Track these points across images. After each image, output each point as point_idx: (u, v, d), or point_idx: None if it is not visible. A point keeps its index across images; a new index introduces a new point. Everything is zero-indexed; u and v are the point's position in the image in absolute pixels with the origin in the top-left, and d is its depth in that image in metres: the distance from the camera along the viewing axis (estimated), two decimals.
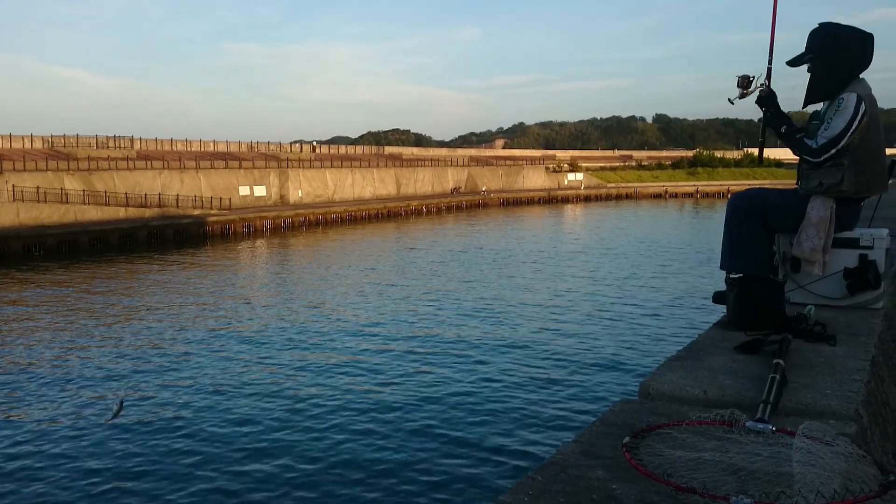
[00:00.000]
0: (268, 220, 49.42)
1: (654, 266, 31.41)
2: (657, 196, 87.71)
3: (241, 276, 30.99)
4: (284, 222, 50.40)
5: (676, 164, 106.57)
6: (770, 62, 3.64)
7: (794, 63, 3.59)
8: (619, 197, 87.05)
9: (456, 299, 24.42)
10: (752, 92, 3.64)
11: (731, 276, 3.01)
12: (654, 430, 1.88)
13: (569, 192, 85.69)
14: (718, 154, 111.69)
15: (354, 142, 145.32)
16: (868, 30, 3.56)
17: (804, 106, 3.67)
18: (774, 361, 2.32)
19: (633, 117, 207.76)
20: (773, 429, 1.83)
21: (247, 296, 25.91)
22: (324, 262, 34.17)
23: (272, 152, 72.07)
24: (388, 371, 15.88)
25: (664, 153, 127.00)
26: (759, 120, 3.79)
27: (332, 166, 66.69)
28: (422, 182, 75.87)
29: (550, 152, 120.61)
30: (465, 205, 70.81)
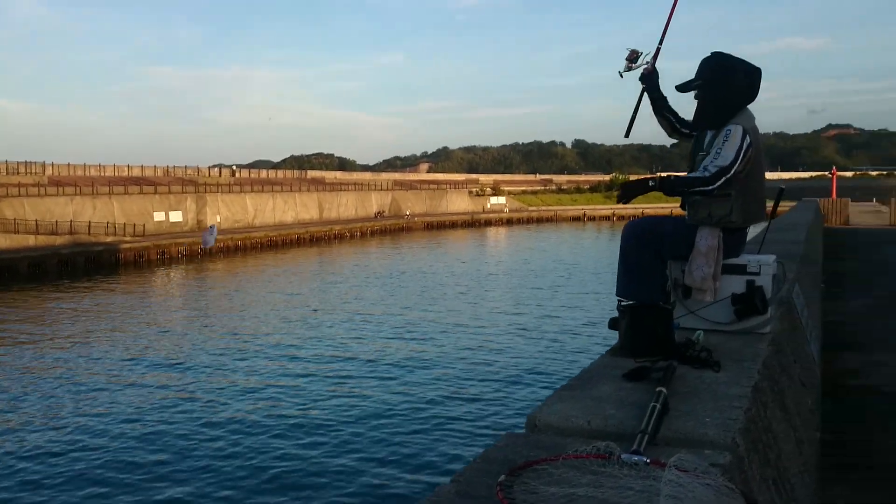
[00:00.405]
0: (183, 246, 48.08)
1: (567, 289, 31.91)
2: (576, 219, 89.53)
3: (153, 302, 30.05)
4: (201, 249, 49.21)
5: (594, 187, 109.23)
6: (661, 42, 3.81)
7: (682, 88, 3.70)
8: (540, 220, 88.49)
9: (369, 324, 24.27)
10: (638, 67, 3.80)
11: (622, 303, 3.05)
12: (531, 467, 1.85)
13: (492, 215, 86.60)
14: (633, 178, 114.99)
15: (276, 165, 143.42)
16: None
17: (693, 131, 3.77)
18: (657, 389, 2.34)
19: (553, 142, 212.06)
20: (648, 461, 1.83)
21: (158, 322, 25.13)
22: (241, 289, 33.44)
23: (190, 177, 70.41)
24: (287, 397, 15.66)
25: (583, 177, 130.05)
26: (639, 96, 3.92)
27: (252, 191, 65.55)
28: (345, 206, 75.32)
29: (474, 176, 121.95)
30: (390, 228, 70.64)
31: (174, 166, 73.01)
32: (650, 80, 3.89)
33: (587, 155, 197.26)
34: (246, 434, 13.36)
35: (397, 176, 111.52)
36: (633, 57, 3.84)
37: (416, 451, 12.49)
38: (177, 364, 18.86)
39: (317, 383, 16.90)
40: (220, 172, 78.88)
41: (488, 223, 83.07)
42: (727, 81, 3.59)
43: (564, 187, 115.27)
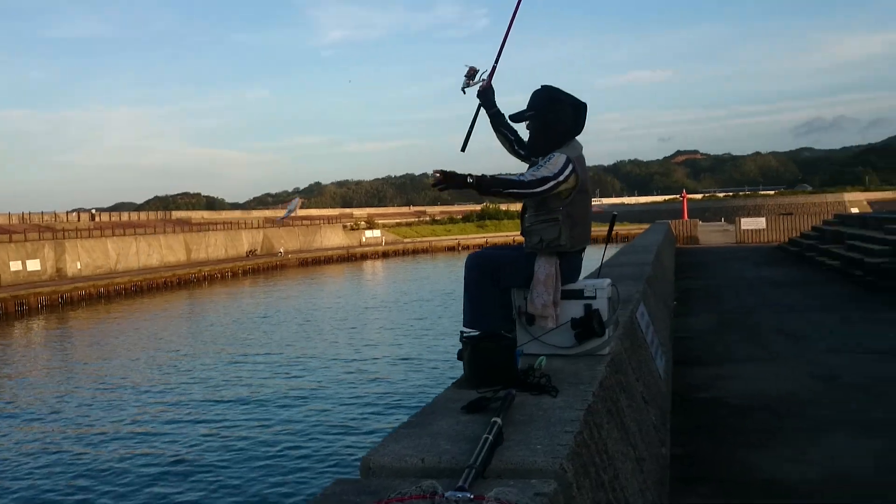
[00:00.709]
0: (43, 295, 45.04)
1: (440, 319, 32.07)
2: (451, 248, 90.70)
3: (14, 355, 27.92)
4: (62, 297, 46.16)
5: (467, 217, 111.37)
6: (496, 61, 3.97)
7: (515, 118, 3.87)
8: (415, 251, 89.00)
9: (237, 364, 23.51)
10: (476, 84, 3.96)
11: (464, 334, 3.06)
12: None
13: (367, 248, 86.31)
14: (503, 207, 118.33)
15: (140, 207, 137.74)
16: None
17: (525, 159, 3.92)
18: (492, 420, 2.34)
19: (425, 174, 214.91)
20: (472, 496, 1.81)
21: (20, 373, 23.33)
22: (106, 336, 31.60)
23: (47, 223, 66.35)
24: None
25: (455, 207, 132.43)
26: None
27: (114, 234, 62.36)
28: (214, 246, 72.89)
29: (348, 210, 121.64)
30: (263, 267, 68.90)
31: (30, 213, 68.82)
32: (486, 96, 4.05)
33: None
34: (109, 482, 12.66)
35: (268, 213, 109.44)
36: (471, 74, 4.02)
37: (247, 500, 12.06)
38: (40, 416, 17.64)
39: (184, 426, 16.17)
40: (79, 217, 74.73)
41: (364, 257, 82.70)
42: (555, 113, 3.75)
43: (438, 218, 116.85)
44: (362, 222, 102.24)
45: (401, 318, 33.28)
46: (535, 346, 3.63)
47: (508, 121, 4.06)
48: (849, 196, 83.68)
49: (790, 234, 29.58)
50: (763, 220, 33.31)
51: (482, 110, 4.09)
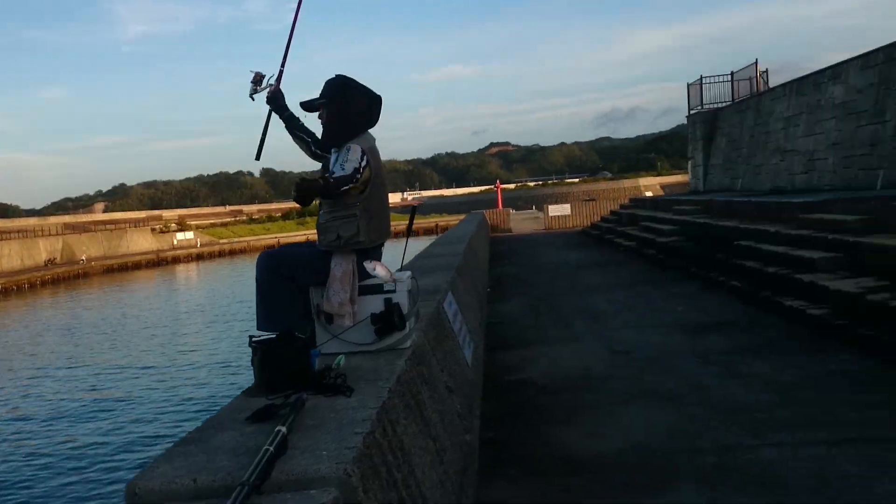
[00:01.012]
0: None
1: (252, 322, 30.96)
2: (271, 247, 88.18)
3: None
4: None
5: (286, 215, 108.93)
6: (283, 64, 3.85)
7: (306, 106, 3.74)
8: (233, 252, 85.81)
9: (33, 380, 21.53)
10: (264, 89, 3.83)
11: (253, 338, 2.91)
12: None
13: (180, 251, 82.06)
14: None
15: None
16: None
17: (322, 149, 3.79)
18: (276, 429, 2.22)
19: (240, 172, 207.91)
20: None
21: None
22: None
23: None
24: None
25: (274, 206, 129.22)
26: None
27: None
28: (8, 257, 66.19)
29: (157, 212, 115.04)
30: (63, 276, 63.56)
31: None
32: (275, 100, 3.92)
33: (277, 183, 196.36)
34: None
35: (68, 219, 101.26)
36: (257, 80, 3.86)
37: None
38: None
39: None
40: None
41: (177, 260, 78.57)
42: (347, 102, 3.67)
43: (256, 217, 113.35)
44: (173, 224, 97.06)
45: (216, 322, 31.93)
46: (335, 345, 3.53)
47: (303, 122, 3.95)
48: (643, 181, 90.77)
49: (592, 218, 31.57)
50: (568, 206, 35.31)
51: (275, 115, 3.95)
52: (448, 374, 4.19)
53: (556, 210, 34.90)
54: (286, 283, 3.49)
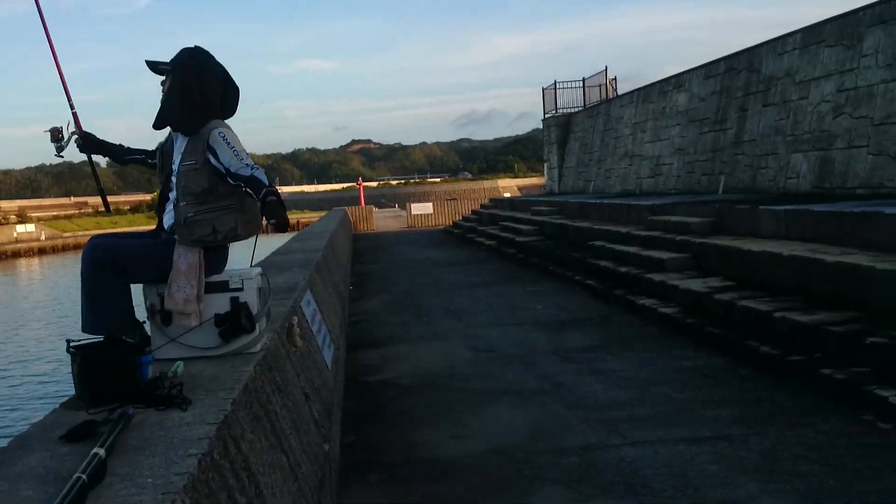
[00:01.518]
0: None
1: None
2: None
3: None
4: None
5: (135, 208, 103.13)
6: (72, 108, 3.40)
7: (152, 66, 3.29)
8: (77, 246, 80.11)
9: None
10: (69, 142, 3.36)
11: (72, 343, 2.48)
12: None
13: (21, 245, 75.66)
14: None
15: None
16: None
17: (157, 127, 3.34)
18: (92, 452, 1.84)
19: (85, 162, 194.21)
20: None
21: None
22: None
23: None
24: None
25: (122, 198, 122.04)
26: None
27: None
28: None
29: None
30: None
31: None
32: (90, 143, 3.52)
33: (125, 175, 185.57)
34: None
35: None
36: (56, 135, 3.42)
37: None
38: None
39: None
40: None
41: (18, 255, 72.40)
42: (200, 77, 3.26)
43: (102, 209, 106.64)
44: (12, 216, 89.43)
45: (65, 323, 29.55)
46: (173, 350, 3.13)
47: (125, 145, 3.56)
48: (502, 182, 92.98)
49: (454, 217, 31.82)
50: (430, 205, 35.42)
51: (98, 157, 3.55)
52: (305, 379, 3.86)
53: (418, 208, 34.92)
54: (116, 277, 3.05)
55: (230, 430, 2.25)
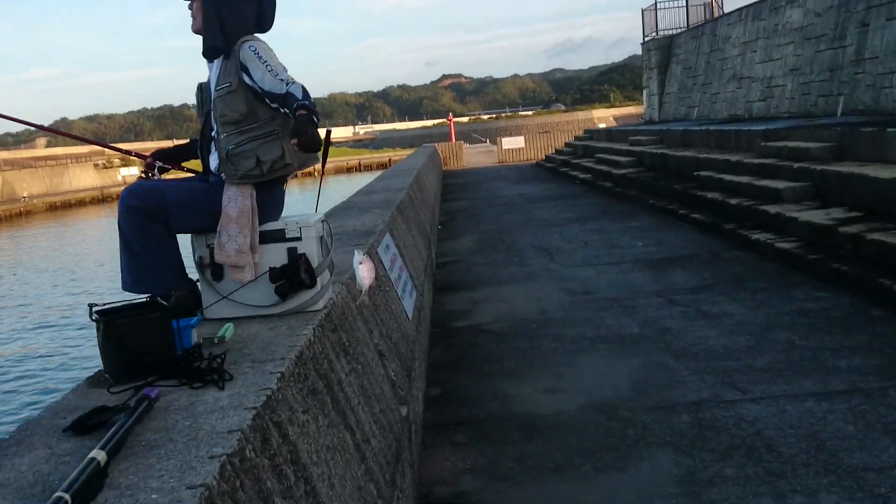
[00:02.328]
0: None
1: None
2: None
3: None
4: None
5: None
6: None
7: None
8: None
9: None
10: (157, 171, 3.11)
11: (96, 308, 2.13)
12: None
13: (124, 188, 79.18)
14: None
15: None
16: None
17: (206, 55, 2.89)
18: (89, 457, 1.47)
19: (185, 105, 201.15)
20: None
21: None
22: None
23: None
24: None
25: None
26: None
27: None
28: None
29: (99, 148, 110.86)
30: (5, 215, 60.89)
31: None
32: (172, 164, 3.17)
33: None
34: None
35: (6, 154, 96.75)
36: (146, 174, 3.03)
37: None
38: None
39: None
40: None
41: None
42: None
43: None
44: (116, 160, 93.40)
45: None
46: (226, 309, 2.77)
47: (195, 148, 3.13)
48: (597, 113, 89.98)
49: (547, 151, 30.86)
50: (522, 139, 34.47)
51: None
52: (380, 335, 3.47)
53: (510, 143, 34.04)
54: (158, 227, 2.69)
55: (274, 414, 1.85)
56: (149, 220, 2.69)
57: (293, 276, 2.70)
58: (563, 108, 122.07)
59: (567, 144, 27.54)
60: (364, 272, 2.75)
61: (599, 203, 14.50)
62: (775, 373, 4.74)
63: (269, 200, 2.85)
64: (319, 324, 2.62)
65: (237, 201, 2.74)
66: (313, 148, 2.52)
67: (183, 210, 2.73)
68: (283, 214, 2.96)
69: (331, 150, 2.79)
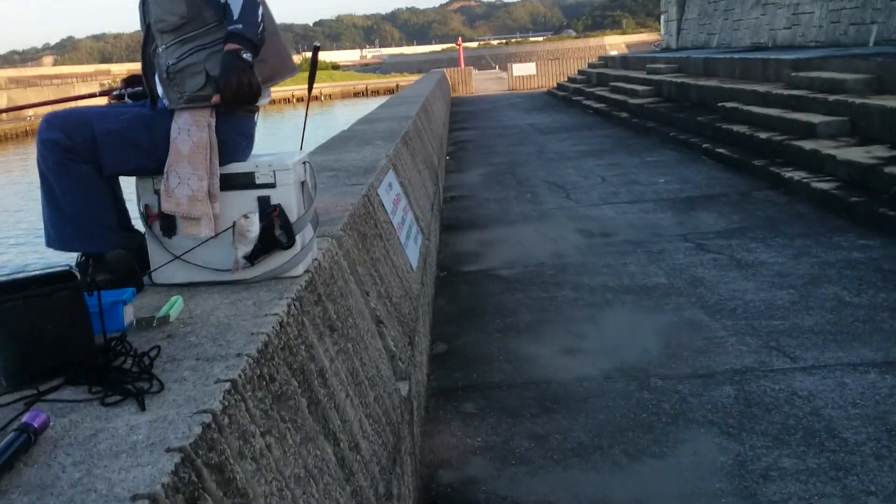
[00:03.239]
0: None
1: None
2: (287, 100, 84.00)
3: None
4: None
5: None
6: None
7: None
8: None
9: None
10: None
11: None
12: None
13: None
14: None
15: None
16: None
17: None
18: None
19: None
20: None
21: None
22: None
23: None
24: None
25: None
26: None
27: None
28: None
29: (105, 67, 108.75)
30: (11, 134, 59.88)
31: None
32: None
33: None
34: None
35: (13, 72, 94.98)
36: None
37: None
38: None
39: None
40: None
41: None
42: None
43: None
44: (121, 79, 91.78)
45: None
46: (180, 271, 2.18)
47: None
48: (609, 40, 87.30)
49: (559, 78, 29.75)
50: (533, 65, 33.25)
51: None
52: (378, 297, 2.90)
53: (520, 69, 32.82)
54: (84, 169, 2.09)
55: (213, 453, 1.29)
56: (73, 159, 2.08)
57: (264, 234, 2.11)
58: (574, 34, 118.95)
59: (580, 72, 26.47)
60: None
61: (615, 135, 13.74)
62: (826, 336, 4.18)
63: (234, 134, 2.22)
64: (297, 296, 2.04)
65: (190, 133, 2.12)
66: (242, 101, 1.91)
67: (117, 145, 2.12)
68: (255, 152, 2.34)
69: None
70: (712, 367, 3.95)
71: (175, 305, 1.89)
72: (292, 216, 2.18)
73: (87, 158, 2.09)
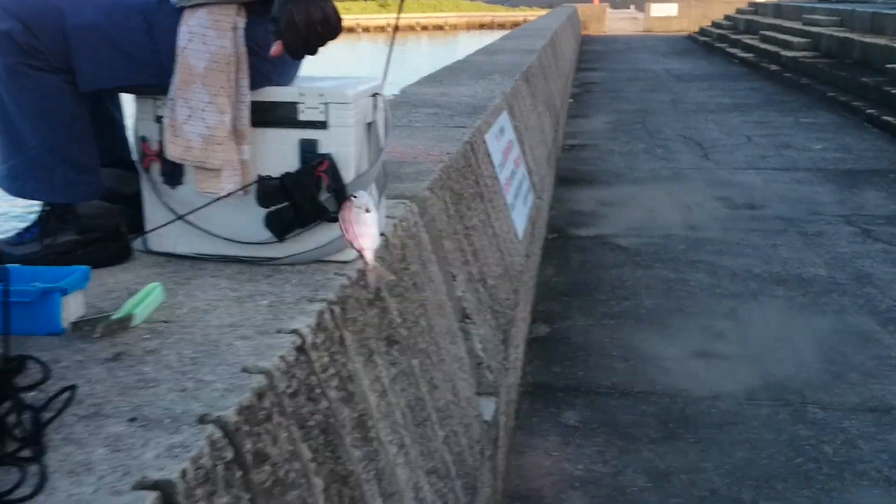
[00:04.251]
0: None
1: None
2: (350, 30, 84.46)
3: None
4: None
5: None
6: None
7: None
8: None
9: None
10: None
11: None
12: None
13: None
14: None
15: None
16: None
17: None
18: None
19: None
20: None
21: None
22: None
23: None
24: None
25: None
26: None
27: None
28: None
29: None
30: None
31: None
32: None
33: None
34: None
35: None
36: None
37: None
38: None
39: None
40: None
41: None
42: None
43: None
44: None
45: None
46: (184, 238, 1.54)
47: None
48: None
49: (702, 22, 27.57)
50: (675, 6, 30.95)
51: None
52: (468, 280, 2.19)
53: (659, 9, 30.61)
54: (51, 81, 1.43)
55: None
56: (33, 64, 1.42)
57: (304, 196, 1.42)
58: None
59: (727, 17, 24.34)
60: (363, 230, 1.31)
61: (764, 89, 12.30)
62: None
63: (271, 44, 1.52)
64: (340, 296, 1.35)
65: (206, 40, 1.43)
66: (315, 45, 1.22)
67: (99, 47, 1.44)
68: (306, 74, 1.64)
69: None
70: (888, 398, 3.07)
71: (147, 300, 1.24)
72: (348, 173, 1.48)
73: (55, 65, 1.43)
